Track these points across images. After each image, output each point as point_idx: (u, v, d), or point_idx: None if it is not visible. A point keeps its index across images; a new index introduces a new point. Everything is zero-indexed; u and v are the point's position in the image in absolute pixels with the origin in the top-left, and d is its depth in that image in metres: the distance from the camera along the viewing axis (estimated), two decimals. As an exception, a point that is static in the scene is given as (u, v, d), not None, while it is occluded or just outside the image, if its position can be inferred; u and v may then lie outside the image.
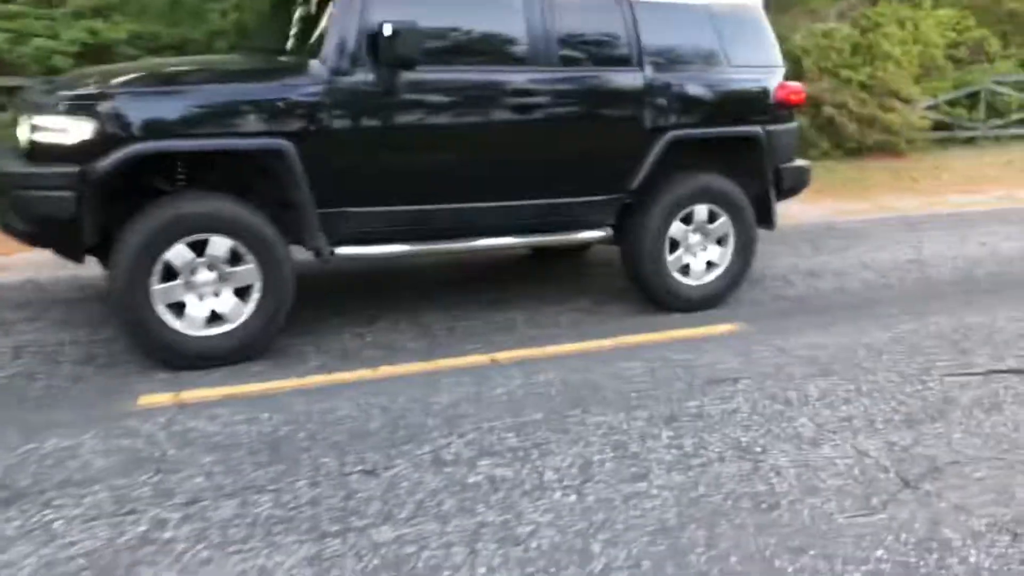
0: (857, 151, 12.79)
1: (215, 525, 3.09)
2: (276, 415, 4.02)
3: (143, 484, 3.37)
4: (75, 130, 4.25)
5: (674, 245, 5.57)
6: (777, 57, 5.85)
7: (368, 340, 5.10)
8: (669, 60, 5.41)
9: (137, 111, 4.32)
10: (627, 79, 5.29)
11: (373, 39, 4.64)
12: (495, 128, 5.00)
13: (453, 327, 5.35)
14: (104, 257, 5.39)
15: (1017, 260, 7.32)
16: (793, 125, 5.93)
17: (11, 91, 9.41)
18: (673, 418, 4.05)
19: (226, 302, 4.57)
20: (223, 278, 4.56)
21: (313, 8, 5.13)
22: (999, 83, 15.12)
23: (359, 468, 3.54)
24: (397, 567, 2.86)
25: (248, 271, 4.56)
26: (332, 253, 4.78)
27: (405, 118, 4.79)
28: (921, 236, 8.25)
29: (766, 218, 5.82)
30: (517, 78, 5.02)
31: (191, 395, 4.24)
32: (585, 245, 6.83)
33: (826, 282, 6.57)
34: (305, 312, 5.11)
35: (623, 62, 5.30)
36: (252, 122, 4.49)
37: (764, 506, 3.28)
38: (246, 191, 4.74)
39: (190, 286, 4.49)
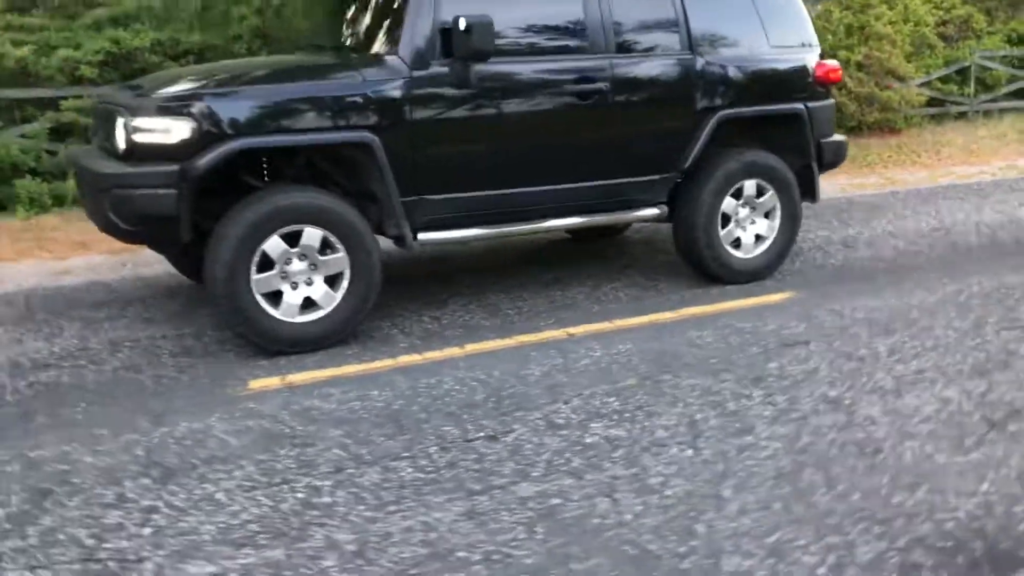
0: (857, 129, 13.09)
1: (366, 489, 3.31)
2: (384, 392, 4.24)
3: (285, 457, 3.59)
4: (175, 130, 4.43)
5: (725, 220, 5.81)
6: (813, 36, 6.11)
7: (445, 322, 5.31)
8: (716, 44, 5.65)
9: (233, 110, 4.52)
10: (678, 64, 5.51)
11: (446, 33, 4.85)
12: (558, 114, 5.23)
13: (520, 307, 5.57)
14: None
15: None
16: (830, 102, 6.19)
17: (40, 103, 9.61)
18: (759, 379, 4.30)
19: (318, 289, 4.78)
20: (315, 267, 4.75)
21: (371, 6, 5.34)
22: (987, 58, 15.47)
23: (481, 434, 3.76)
24: (550, 517, 3.09)
25: (338, 259, 4.76)
26: (415, 239, 4.98)
27: (478, 108, 5.01)
28: (937, 206, 8.56)
29: (810, 191, 6.09)
30: (578, 66, 5.24)
31: (297, 377, 4.45)
32: (623, 226, 7.12)
33: (861, 251, 6.85)
34: (381, 297, 5.31)
35: (674, 48, 5.52)
36: (339, 117, 4.69)
37: (868, 451, 3.54)
38: (329, 183, 4.95)
39: (285, 275, 4.69)
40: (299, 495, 3.29)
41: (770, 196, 5.91)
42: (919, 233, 7.43)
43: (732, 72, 5.66)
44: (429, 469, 3.47)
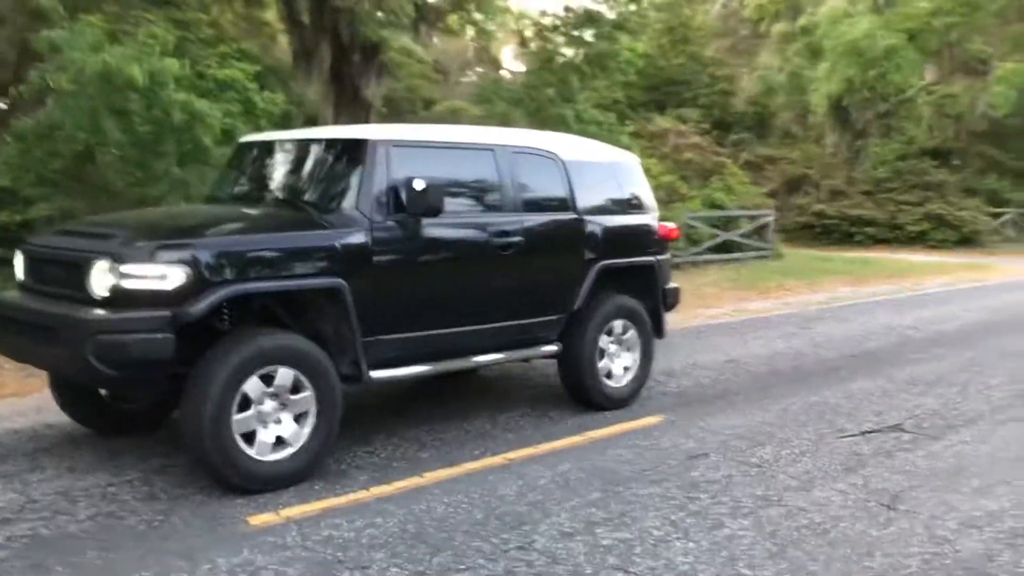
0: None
1: (454, 598, 3.69)
2: (388, 518, 4.58)
3: (353, 579, 3.85)
4: (171, 276, 4.61)
5: (600, 354, 6.72)
6: (654, 201, 7.34)
7: (384, 456, 5.65)
8: (593, 208, 6.67)
9: (226, 257, 4.78)
10: (570, 222, 6.47)
11: (397, 193, 5.45)
12: (484, 262, 5.94)
13: (442, 439, 6.03)
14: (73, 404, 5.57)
15: (797, 355, 9.27)
16: (669, 255, 7.42)
17: None
18: (696, 484, 5.14)
19: (287, 428, 5.02)
20: (284, 406, 5.01)
21: (311, 163, 5.83)
22: (693, 218, 18.20)
23: (512, 546, 4.25)
24: (631, 602, 3.66)
25: (306, 398, 5.05)
26: (369, 378, 5.38)
27: (424, 257, 5.59)
28: (712, 343, 10.07)
29: (658, 329, 7.18)
30: (497, 220, 6.01)
31: (292, 512, 4.65)
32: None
33: (688, 379, 8.02)
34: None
35: (564, 206, 6.48)
36: (316, 263, 5.09)
37: (821, 529, 4.46)
38: (282, 325, 5.26)
39: (259, 415, 4.90)
40: (399, 608, 3.59)
41: (632, 333, 6.91)
42: (717, 364, 8.78)
43: (607, 231, 6.68)
44: (493, 575, 3.90)
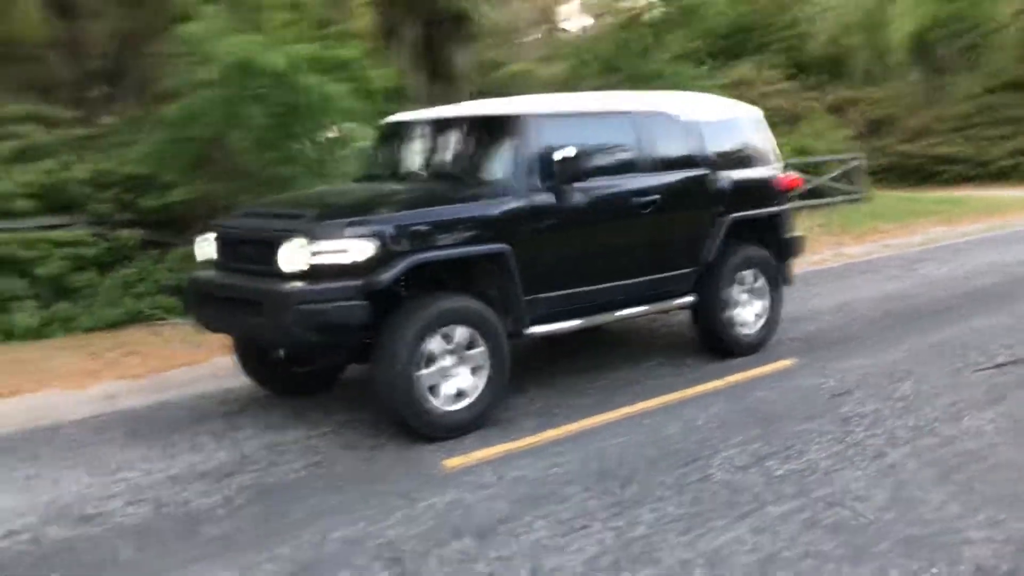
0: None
1: (656, 523, 4.11)
2: (568, 457, 5.02)
3: (563, 511, 4.29)
4: (361, 250, 5.08)
5: (733, 303, 7.04)
6: (777, 153, 7.60)
7: (540, 405, 6.08)
8: (723, 163, 6.96)
9: (409, 231, 5.24)
10: (703, 178, 6.78)
11: (548, 162, 5.82)
12: (627, 221, 6.30)
13: (594, 387, 6.42)
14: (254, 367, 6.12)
15: (908, 296, 9.44)
16: (790, 206, 7.68)
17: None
18: (847, 419, 5.47)
19: (465, 380, 5.48)
20: (460, 361, 5.47)
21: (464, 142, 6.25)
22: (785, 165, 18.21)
23: (693, 479, 4.65)
24: (815, 525, 4.04)
25: (480, 353, 5.51)
26: (530, 333, 5.81)
27: (575, 219, 5.98)
28: (821, 288, 10.30)
29: (786, 277, 7.47)
30: (637, 181, 6.36)
31: (478, 456, 5.12)
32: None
33: (809, 323, 8.29)
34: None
35: (696, 163, 6.79)
36: (484, 232, 5.53)
37: (981, 456, 4.76)
38: (451, 288, 5.70)
39: (441, 370, 5.37)
40: (611, 532, 4.03)
41: (762, 282, 7.22)
42: (831, 308, 9.02)
43: (735, 184, 6.98)
44: (684, 506, 4.31)
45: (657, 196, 6.42)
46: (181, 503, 4.62)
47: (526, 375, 6.76)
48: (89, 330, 9.08)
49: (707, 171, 6.83)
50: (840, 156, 19.73)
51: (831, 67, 30.67)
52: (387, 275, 5.12)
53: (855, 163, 19.83)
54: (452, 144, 6.38)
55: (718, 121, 7.09)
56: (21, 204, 9.53)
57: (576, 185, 5.93)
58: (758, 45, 29.91)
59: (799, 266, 11.98)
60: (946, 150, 25.22)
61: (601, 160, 6.26)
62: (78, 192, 9.92)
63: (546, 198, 5.83)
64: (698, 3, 14.10)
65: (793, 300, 9.30)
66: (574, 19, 35.61)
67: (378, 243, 5.13)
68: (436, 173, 6.33)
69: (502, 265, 5.61)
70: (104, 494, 4.78)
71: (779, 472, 4.68)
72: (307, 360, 6.35)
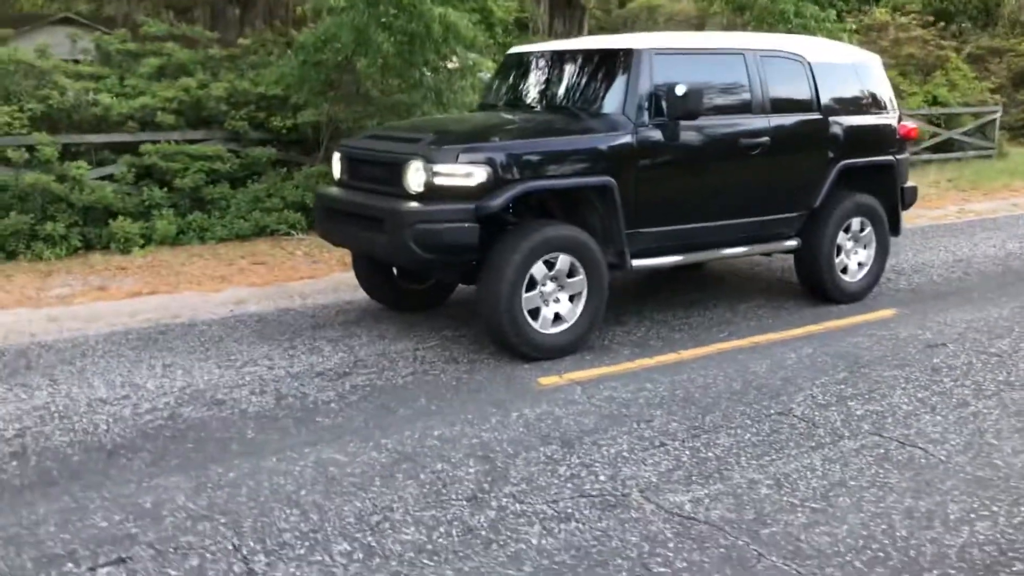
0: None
1: (732, 448, 4.35)
2: (656, 384, 5.27)
3: (646, 429, 4.57)
4: (476, 175, 5.39)
5: (838, 251, 7.08)
6: (895, 101, 7.52)
7: (639, 336, 6.34)
8: (837, 108, 6.96)
9: (519, 159, 5.52)
10: (815, 122, 6.81)
11: (659, 98, 5.98)
12: (734, 162, 6.41)
13: (687, 324, 6.65)
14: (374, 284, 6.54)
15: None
16: (908, 154, 7.61)
17: (113, 147, 10.14)
18: (937, 370, 5.55)
19: (564, 306, 5.77)
20: (561, 287, 5.75)
21: (580, 73, 6.44)
22: (911, 115, 17.63)
23: (772, 411, 4.85)
24: (886, 459, 4.21)
25: (580, 281, 5.78)
26: (632, 266, 6.04)
27: (683, 156, 6.14)
28: (939, 243, 10.12)
29: (895, 227, 7.45)
30: (747, 123, 6.45)
31: (573, 376, 5.43)
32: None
33: (919, 276, 8.24)
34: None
35: (810, 110, 6.82)
36: (591, 164, 5.75)
37: (1065, 412, 4.81)
38: (565, 218, 5.96)
39: (542, 294, 5.67)
40: (687, 451, 4.29)
41: (869, 230, 7.23)
42: (946, 263, 8.90)
43: (848, 130, 6.97)
44: (761, 434, 4.53)
45: (767, 138, 6.50)
46: (300, 396, 5.10)
47: (627, 307, 7.02)
48: (221, 240, 9.75)
49: (820, 116, 6.84)
50: (975, 109, 18.93)
51: (977, 14, 29.19)
52: (498, 200, 5.42)
53: (992, 117, 19.01)
54: (568, 77, 6.58)
55: (834, 66, 7.06)
56: (162, 118, 10.19)
57: (686, 123, 6.07)
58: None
59: (919, 219, 11.88)
60: (1096, 109, 23.82)
61: (713, 99, 6.35)
62: (215, 109, 10.52)
63: (655, 134, 6.00)
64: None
65: (907, 252, 9.27)
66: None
67: (490, 170, 5.42)
68: (552, 105, 6.55)
69: (606, 198, 5.84)
70: (232, 383, 5.31)
71: (859, 412, 4.84)
72: (419, 278, 6.75)
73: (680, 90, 5.87)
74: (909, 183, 7.63)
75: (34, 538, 3.49)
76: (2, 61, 10.09)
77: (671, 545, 3.45)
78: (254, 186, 10.40)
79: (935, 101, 18.37)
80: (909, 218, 11.65)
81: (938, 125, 18.20)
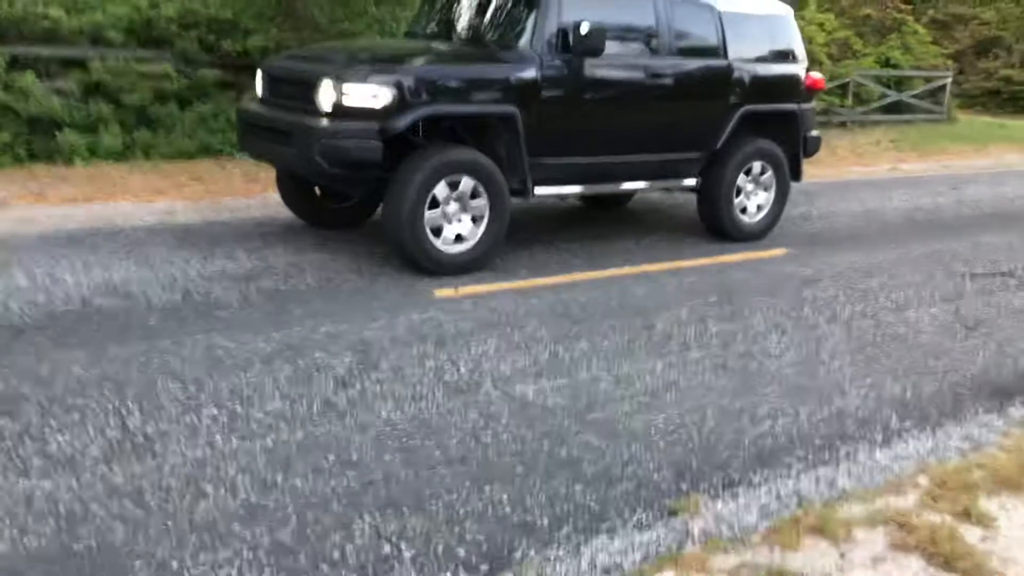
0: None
1: (603, 350, 4.81)
2: (542, 299, 5.71)
3: (510, 335, 5.02)
4: (381, 96, 5.75)
5: (737, 192, 7.53)
6: (804, 53, 7.92)
7: (542, 259, 6.77)
8: (742, 55, 7.35)
9: (425, 84, 5.87)
10: (719, 68, 7.20)
11: (563, 34, 6.34)
12: (638, 101, 6.80)
13: (591, 250, 7.09)
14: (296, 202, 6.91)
15: (937, 210, 9.76)
16: (813, 104, 8.03)
17: (63, 61, 10.33)
18: (803, 300, 6.03)
19: (466, 226, 6.18)
20: (463, 208, 6.16)
21: (492, 7, 6.77)
22: (863, 76, 18.05)
23: (638, 323, 5.31)
24: (724, 367, 4.69)
25: (482, 204, 6.18)
26: (534, 193, 6.45)
27: (585, 93, 6.52)
28: (858, 195, 10.61)
29: (796, 173, 7.90)
30: (652, 63, 6.84)
31: (467, 290, 5.85)
32: (626, 198, 8.77)
33: (819, 224, 8.73)
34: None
35: (716, 55, 7.21)
36: (497, 93, 6.13)
37: (900, 339, 5.31)
38: (473, 144, 6.34)
39: (445, 214, 6.08)
40: (546, 352, 4.75)
41: (769, 174, 7.67)
42: (854, 213, 9.41)
43: (753, 78, 7.38)
44: (618, 343, 4.99)
45: (670, 80, 6.89)
46: (205, 294, 5.49)
47: (539, 235, 7.45)
48: (165, 157, 10.03)
49: (725, 62, 7.23)
50: (927, 73, 19.36)
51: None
52: (402, 121, 5.79)
53: (943, 81, 19.46)
54: (487, 11, 6.90)
55: (744, 15, 7.42)
56: (113, 35, 10.38)
57: (590, 61, 6.44)
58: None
59: (849, 174, 12.38)
60: (1052, 79, 24.36)
61: (620, 40, 6.72)
62: (165, 29, 10.71)
63: (559, 69, 6.36)
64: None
65: (821, 201, 9.76)
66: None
67: (396, 92, 5.78)
68: (469, 37, 6.89)
69: (510, 127, 6.22)
70: (145, 280, 5.69)
71: (715, 329, 5.31)
72: (339, 196, 7.12)
73: (584, 28, 6.22)
74: (813, 132, 8.05)
75: (-65, 393, 3.89)
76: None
77: (503, 421, 3.91)
78: (201, 107, 10.64)
79: (887, 63, 18.76)
80: (839, 173, 12.21)
81: (888, 87, 18.62)
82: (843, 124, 17.75)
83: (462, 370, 4.47)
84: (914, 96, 19.08)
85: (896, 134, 17.37)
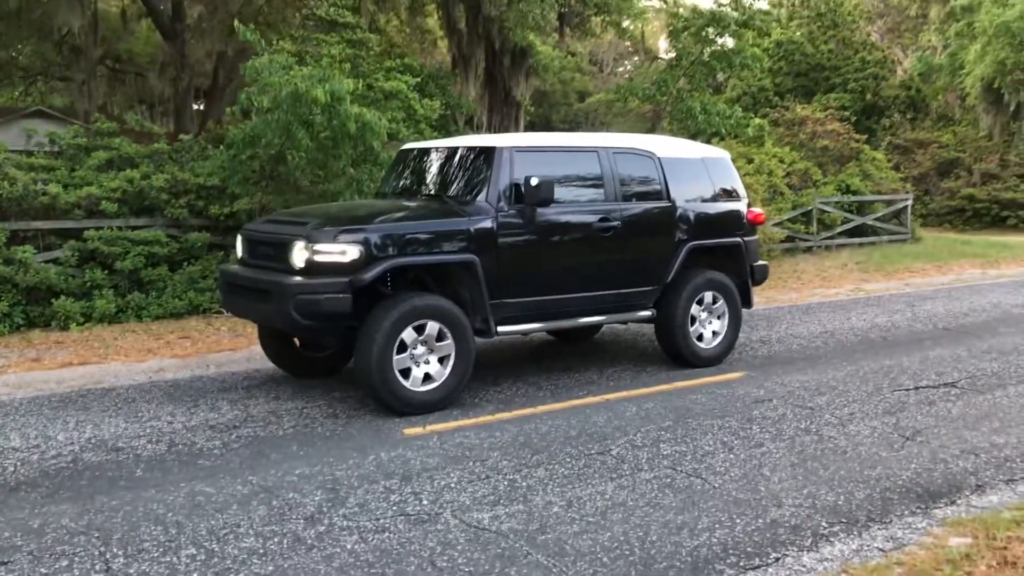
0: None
1: (556, 476, 5.17)
2: (505, 433, 6.09)
3: (474, 468, 5.39)
4: (349, 252, 6.29)
5: (692, 320, 8.02)
6: (743, 190, 8.57)
7: (508, 393, 7.18)
8: (684, 196, 7.98)
9: (389, 239, 6.44)
10: (664, 209, 7.81)
11: (515, 187, 6.96)
12: (589, 243, 7.37)
13: (555, 383, 7.52)
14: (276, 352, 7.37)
15: (893, 328, 10.24)
16: (757, 236, 8.63)
17: (59, 232, 10.98)
18: (751, 420, 6.42)
19: (434, 367, 6.62)
20: (431, 350, 6.62)
21: (449, 167, 7.42)
22: (825, 203, 18.91)
23: (594, 451, 5.68)
24: (688, 489, 5.05)
25: (448, 345, 6.64)
26: (496, 332, 6.92)
27: (540, 237, 7.09)
28: (818, 317, 11.12)
29: (747, 300, 8.42)
30: (600, 209, 7.44)
31: (435, 427, 6.24)
32: (593, 331, 9.25)
33: (777, 347, 9.19)
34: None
35: (660, 197, 7.83)
36: (455, 243, 6.69)
37: (839, 453, 5.68)
38: (427, 289, 6.85)
39: (412, 356, 6.53)
40: (506, 482, 5.11)
41: (721, 303, 8.18)
42: (812, 334, 9.88)
43: (697, 215, 7.99)
44: (574, 469, 5.35)
45: (618, 222, 7.48)
46: (189, 444, 5.88)
47: (509, 369, 7.89)
48: (157, 318, 10.55)
49: (669, 203, 7.85)
50: (887, 197, 20.25)
51: (906, 108, 31.06)
52: (369, 274, 6.32)
53: (903, 204, 20.35)
54: (447, 169, 7.55)
55: (683, 160, 8.10)
56: (107, 206, 11.08)
57: (543, 210, 7.03)
58: (831, 85, 30.56)
59: (812, 297, 12.93)
60: (1014, 195, 25.35)
61: (569, 189, 7.35)
62: (156, 198, 11.44)
63: (514, 219, 6.95)
64: (733, 49, 15.06)
65: (781, 324, 10.25)
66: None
67: (363, 248, 6.33)
68: (430, 194, 7.52)
69: (471, 272, 6.75)
70: (133, 435, 6.08)
71: (666, 451, 5.68)
72: (317, 347, 7.59)
73: (534, 181, 6.84)
74: (760, 262, 8.62)
75: (-65, 548, 4.24)
76: (-44, 154, 10.99)
77: (459, 547, 4.25)
78: (190, 268, 11.26)
79: (847, 190, 19.66)
80: (801, 297, 12.77)
81: (851, 212, 19.47)
82: (809, 249, 18.49)
83: (424, 502, 4.82)
84: (877, 219, 19.92)
85: (862, 256, 18.08)
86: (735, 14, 14.71)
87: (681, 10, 16.75)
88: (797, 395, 7.12)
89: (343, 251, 6.31)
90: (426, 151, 7.91)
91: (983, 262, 17.45)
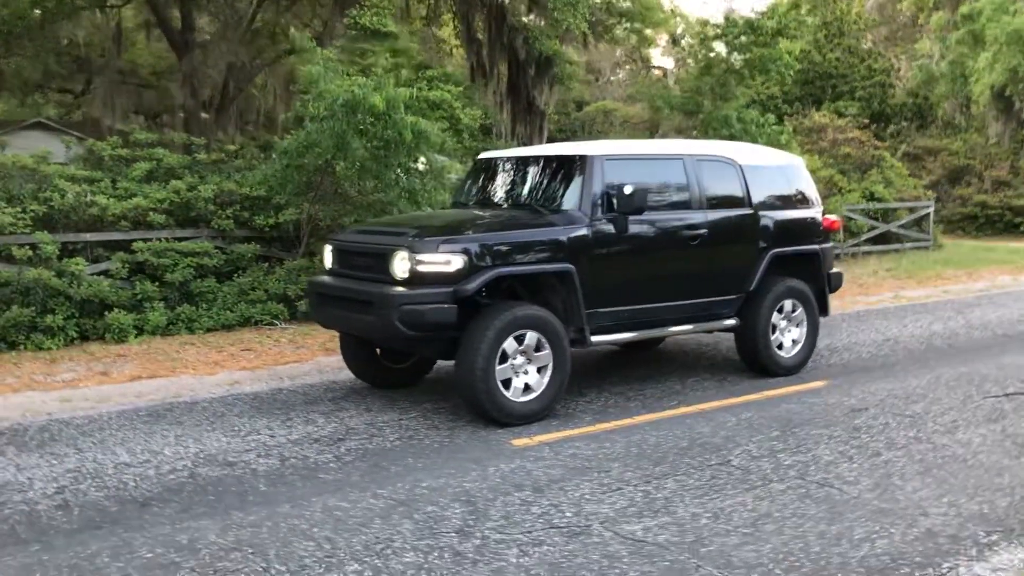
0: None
1: (690, 487, 5.12)
2: (614, 444, 6.03)
3: (604, 477, 5.33)
4: (453, 263, 6.24)
5: (772, 329, 7.99)
6: (818, 197, 8.55)
7: (600, 404, 7.13)
8: (767, 204, 7.96)
9: (490, 249, 6.38)
10: (747, 217, 7.79)
11: (610, 196, 6.91)
12: (677, 250, 7.34)
13: (643, 393, 7.47)
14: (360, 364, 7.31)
15: (953, 335, 10.22)
16: (832, 244, 8.61)
17: (111, 245, 10.87)
18: (858, 429, 6.38)
19: (532, 377, 6.57)
20: (529, 360, 6.56)
21: (541, 175, 7.37)
22: (852, 210, 18.95)
23: (714, 462, 5.63)
24: (807, 496, 5.00)
25: (546, 355, 6.59)
26: (591, 342, 6.87)
27: (632, 246, 7.05)
28: (872, 325, 11.11)
29: (823, 308, 8.39)
30: (687, 216, 7.41)
31: (542, 438, 6.18)
32: (659, 341, 9.21)
33: (849, 353, 9.17)
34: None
35: (742, 203, 7.81)
36: (553, 252, 6.64)
37: (960, 460, 5.64)
38: (531, 300, 6.80)
39: (513, 367, 6.47)
40: (640, 493, 5.05)
41: (800, 311, 8.15)
42: (876, 342, 9.86)
43: (777, 223, 7.96)
44: (703, 480, 5.30)
45: (705, 230, 7.44)
46: (302, 458, 5.80)
47: (589, 381, 7.83)
48: (208, 330, 10.45)
49: (751, 211, 7.82)
50: (910, 204, 20.32)
51: (913, 116, 31.21)
52: (473, 284, 6.26)
53: (925, 211, 20.41)
54: (531, 179, 7.51)
55: (763, 167, 8.08)
56: (154, 217, 10.98)
57: (634, 218, 6.99)
58: (839, 93, 30.70)
59: (856, 305, 12.93)
60: (1024, 202, 25.50)
61: (657, 197, 7.31)
62: (203, 209, 11.34)
63: (607, 227, 6.90)
64: (767, 56, 15.09)
65: (841, 333, 10.22)
66: (661, 59, 37.03)
67: (466, 258, 6.28)
68: (516, 202, 7.47)
69: (567, 281, 6.70)
70: (240, 449, 5.99)
71: (787, 462, 5.64)
72: (401, 357, 7.52)
73: (628, 189, 6.81)
74: (834, 269, 8.59)
75: (92, 567, 4.15)
76: (5, 166, 10.88)
77: (626, 560, 4.19)
78: (239, 279, 11.16)
79: (872, 197, 19.72)
80: (845, 305, 12.74)
81: (876, 219, 19.51)
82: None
83: (568, 514, 4.76)
84: (900, 226, 19.97)
85: (890, 263, 18.10)
86: (771, 23, 14.74)
87: (711, 19, 16.79)
88: (890, 403, 7.08)
89: (447, 261, 6.25)
90: (509, 160, 7.87)
91: (1012, 268, 17.49)
